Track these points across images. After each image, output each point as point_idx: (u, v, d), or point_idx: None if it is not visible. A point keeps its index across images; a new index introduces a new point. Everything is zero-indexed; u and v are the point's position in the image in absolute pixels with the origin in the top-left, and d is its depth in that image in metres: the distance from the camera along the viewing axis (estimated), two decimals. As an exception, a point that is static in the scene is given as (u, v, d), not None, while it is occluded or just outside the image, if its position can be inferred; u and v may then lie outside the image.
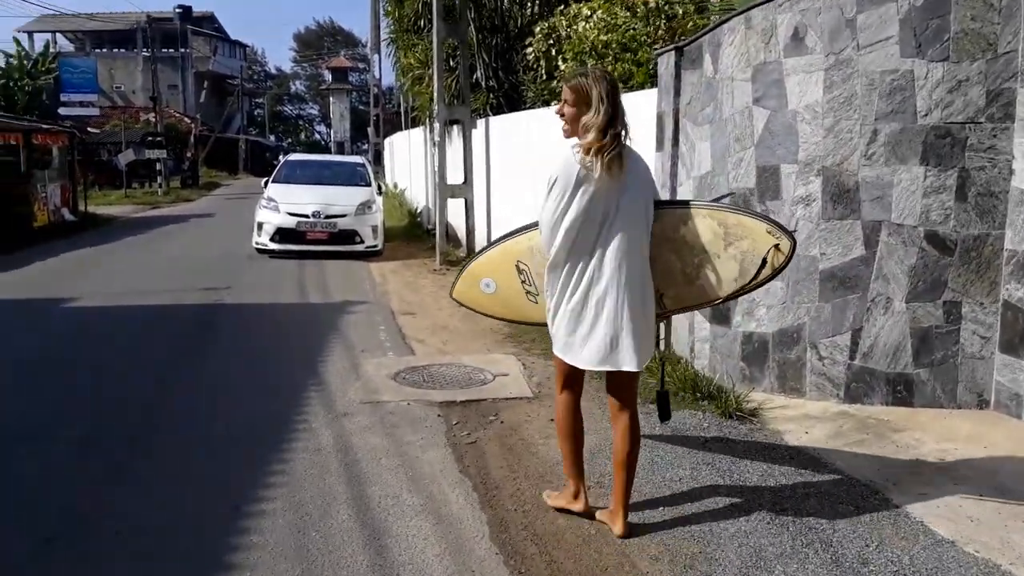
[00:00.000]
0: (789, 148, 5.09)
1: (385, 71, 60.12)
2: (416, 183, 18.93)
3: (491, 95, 12.32)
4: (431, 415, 5.05)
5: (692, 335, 5.85)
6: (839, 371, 5.07)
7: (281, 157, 16.31)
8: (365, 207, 12.86)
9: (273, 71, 77.62)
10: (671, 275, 3.44)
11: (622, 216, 3.19)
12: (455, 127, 13.03)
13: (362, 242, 12.60)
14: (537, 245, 3.53)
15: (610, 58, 8.74)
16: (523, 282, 3.81)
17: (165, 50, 47.23)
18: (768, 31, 5.14)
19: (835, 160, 4.94)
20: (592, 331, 3.23)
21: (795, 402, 5.17)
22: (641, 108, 6.85)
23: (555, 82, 10.56)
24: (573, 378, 3.44)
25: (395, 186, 24.05)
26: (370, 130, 35.92)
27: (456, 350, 6.80)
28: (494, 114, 12.02)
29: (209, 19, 53.61)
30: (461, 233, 12.83)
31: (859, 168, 4.89)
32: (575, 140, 3.21)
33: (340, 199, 12.82)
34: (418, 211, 17.85)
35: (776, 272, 3.37)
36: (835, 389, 5.09)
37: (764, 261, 3.31)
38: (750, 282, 3.38)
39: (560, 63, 10.37)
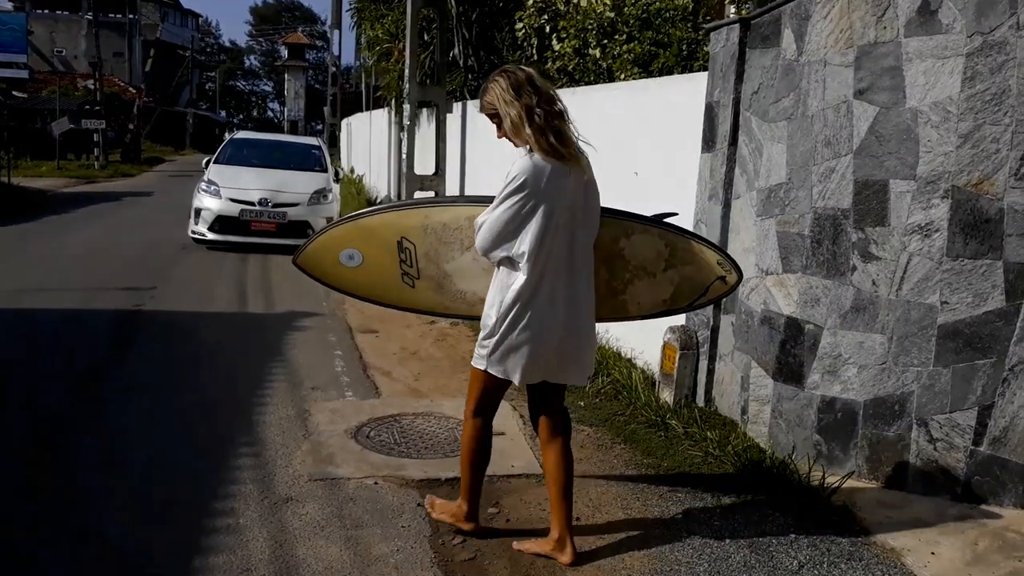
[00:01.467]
0: (905, 159, 3.78)
1: (346, 50, 57.93)
2: (377, 170, 17.35)
3: (470, 76, 10.89)
4: (408, 504, 3.65)
5: (745, 392, 4.53)
6: (958, 459, 3.79)
7: (227, 134, 14.51)
8: (320, 196, 11.31)
9: (227, 44, 75.00)
10: (594, 284, 3.18)
11: (582, 219, 3.03)
12: (426, 110, 11.59)
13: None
14: (438, 226, 3.30)
15: (622, 37, 7.39)
16: (403, 262, 3.36)
17: (112, 16, 44.64)
18: (882, 1, 3.82)
19: (971, 178, 3.64)
20: (542, 344, 2.99)
21: (893, 496, 3.88)
22: (673, 97, 5.51)
23: (548, 64, 9.18)
24: (494, 400, 3.24)
25: (352, 171, 22.42)
26: (326, 110, 34.05)
27: (432, 388, 5.40)
28: (472, 97, 10.58)
29: (159, -16, 50.99)
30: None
31: (1005, 191, 3.60)
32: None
33: (291, 185, 11.25)
34: (379, 201, 16.30)
35: (713, 301, 3.58)
36: (950, 483, 3.82)
37: (706, 289, 3.37)
38: (683, 306, 3.47)
39: (555, 43, 9.01)
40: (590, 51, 8.10)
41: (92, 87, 30.67)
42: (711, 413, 4.74)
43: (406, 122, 10.35)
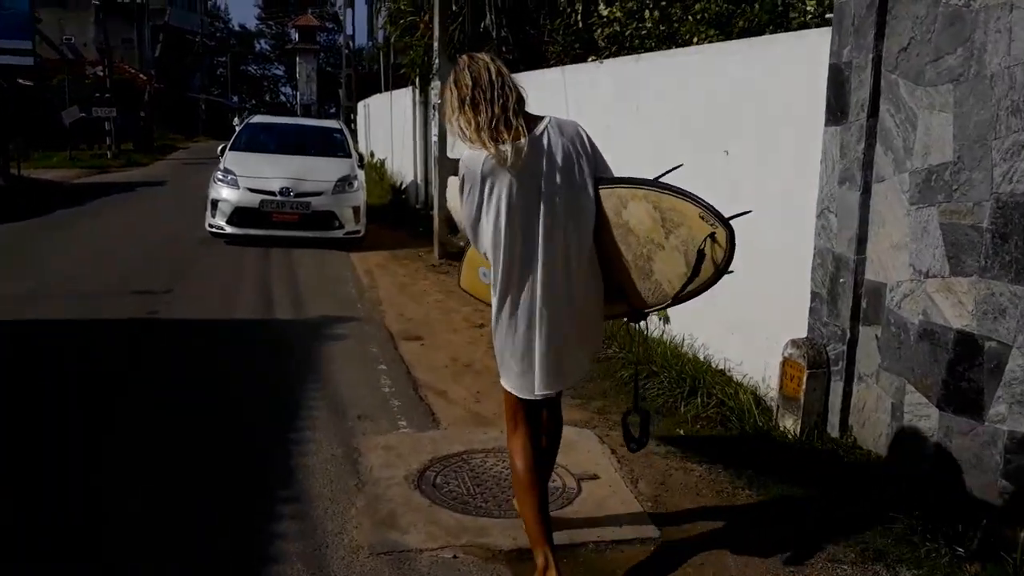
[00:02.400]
0: None
1: (358, 31, 56.94)
2: (401, 153, 16.48)
3: (503, 48, 9.98)
4: (499, 588, 2.85)
5: (897, 421, 3.68)
6: None
7: (236, 121, 13.60)
8: (345, 183, 10.48)
9: (237, 28, 73.96)
10: (625, 267, 2.81)
11: (546, 206, 2.65)
12: (456, 88, 10.71)
13: (341, 227, 10.24)
14: None
15: (691, -4, 6.49)
16: None
17: (120, 0, 43.77)
18: (1098, -80, 2.93)
19: None
20: (527, 352, 2.70)
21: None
22: (774, 61, 4.65)
23: (597, 32, 8.29)
24: (523, 410, 2.82)
25: (371, 155, 21.56)
26: (341, 92, 33.11)
27: (497, 413, 4.53)
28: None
29: (167, -32, 49.99)
30: (462, 218, 10.53)
31: None
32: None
33: (314, 173, 10.42)
34: (403, 186, 15.45)
35: (719, 271, 2.65)
36: None
37: (701, 253, 2.64)
38: (693, 280, 2.69)
39: (602, 7, 8.11)
40: (648, 14, 7.20)
41: (101, 74, 29.84)
42: (849, 446, 3.89)
43: (435, 100, 9.48)
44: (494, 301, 2.73)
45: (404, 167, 16.02)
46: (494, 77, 2.67)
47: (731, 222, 2.63)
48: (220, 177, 10.24)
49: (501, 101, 2.62)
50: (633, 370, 4.57)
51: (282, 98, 70.91)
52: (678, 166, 2.99)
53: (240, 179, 10.10)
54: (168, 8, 44.19)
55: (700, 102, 5.30)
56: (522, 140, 2.60)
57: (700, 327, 5.34)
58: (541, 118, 2.72)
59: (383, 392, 4.89)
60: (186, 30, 51.72)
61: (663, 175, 2.87)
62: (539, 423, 2.89)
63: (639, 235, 2.76)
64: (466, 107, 2.63)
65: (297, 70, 55.99)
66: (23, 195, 15.06)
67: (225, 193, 10.02)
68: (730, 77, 5.02)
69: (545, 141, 2.66)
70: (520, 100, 2.68)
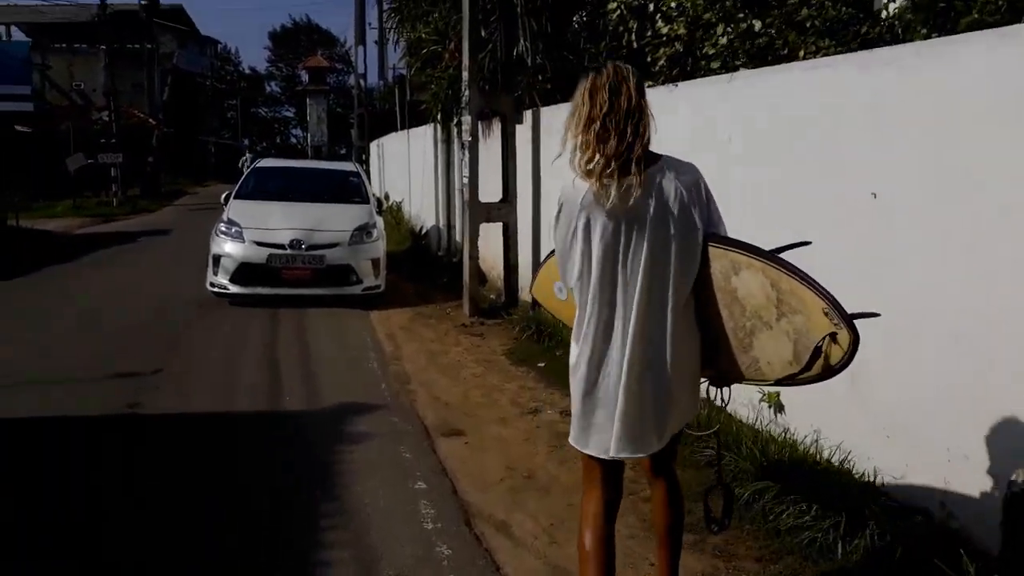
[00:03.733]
0: None
1: (369, 69, 56.93)
2: (420, 195, 15.31)
3: (540, 77, 8.83)
4: None
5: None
6: None
7: (242, 162, 12.37)
8: (363, 233, 9.31)
9: (247, 71, 73.76)
10: (723, 334, 2.55)
11: (650, 253, 2.43)
12: (481, 124, 9.58)
13: (359, 282, 9.04)
14: None
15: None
16: None
17: (129, 45, 43.36)
18: None
19: None
20: (606, 404, 2.46)
21: None
22: (950, 73, 3.44)
23: (651, 56, 7.13)
24: (596, 471, 2.57)
25: (386, 197, 20.48)
26: (353, 132, 32.22)
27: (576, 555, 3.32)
28: (544, 103, 8.53)
29: (177, 12, 49.67)
30: (495, 269, 9.33)
31: None
32: None
33: (328, 222, 9.25)
34: (423, 231, 14.28)
35: (832, 371, 2.38)
36: None
37: (818, 350, 2.36)
38: (801, 372, 2.42)
39: (660, 24, 6.97)
40: (721, 28, 6.03)
41: (107, 119, 29.04)
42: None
43: (466, 138, 8.31)
44: (573, 344, 2.54)
45: (424, 210, 14.85)
46: (633, 107, 2.41)
47: (855, 321, 2.31)
48: (223, 229, 9.08)
49: (629, 140, 2.37)
50: (715, 440, 3.34)
51: (292, 139, 70.58)
52: (805, 243, 2.71)
53: (245, 231, 8.94)
54: (176, 52, 43.68)
55: (831, 127, 4.08)
56: (633, 181, 2.37)
57: (834, 422, 4.08)
58: (657, 156, 2.48)
59: (425, 529, 3.63)
60: (196, 73, 51.37)
61: (783, 249, 2.59)
62: (618, 489, 2.64)
63: (746, 307, 2.52)
64: (592, 132, 2.40)
65: (308, 111, 55.57)
66: (12, 250, 13.88)
67: (228, 248, 8.86)
68: (872, 95, 3.80)
69: (658, 182, 2.44)
70: (649, 141, 2.44)
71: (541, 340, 7.01)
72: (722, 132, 4.96)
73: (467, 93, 8.21)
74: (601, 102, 2.39)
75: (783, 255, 2.50)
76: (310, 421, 5.16)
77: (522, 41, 8.81)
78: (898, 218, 3.67)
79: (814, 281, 2.39)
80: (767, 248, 2.51)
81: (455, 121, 10.75)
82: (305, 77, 58.60)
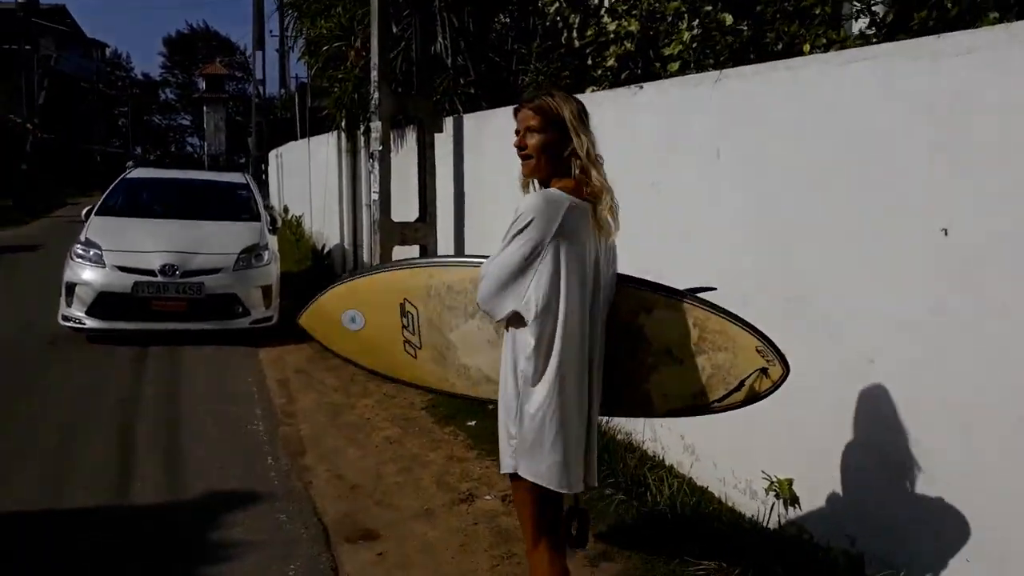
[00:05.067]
0: None
1: (269, 79, 55.17)
2: (323, 211, 13.84)
3: (461, 80, 7.66)
4: None
5: None
6: None
7: (128, 172, 10.74)
8: (251, 255, 7.93)
9: (140, 77, 70.21)
10: (615, 369, 2.70)
11: (602, 282, 2.55)
12: (397, 132, 8.36)
13: (246, 314, 7.64)
14: (443, 288, 2.88)
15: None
16: (404, 327, 2.97)
17: (5, 46, 40.25)
18: None
19: None
20: (580, 431, 2.44)
21: None
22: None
23: (594, 58, 6.07)
24: (550, 514, 2.52)
25: (285, 211, 18.91)
26: (251, 141, 30.37)
27: None
28: (468, 110, 7.36)
29: (59, 12, 46.51)
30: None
31: None
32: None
33: (210, 243, 7.84)
34: (326, 250, 12.85)
35: (752, 400, 2.70)
36: None
37: (742, 384, 2.67)
38: (712, 403, 2.73)
39: (607, 19, 5.93)
40: (691, 21, 5.01)
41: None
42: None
43: (375, 147, 7.05)
44: (534, 367, 2.37)
45: (327, 227, 13.43)
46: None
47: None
48: (79, 252, 7.56)
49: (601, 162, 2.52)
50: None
51: (189, 148, 67.45)
52: (710, 288, 2.85)
53: (106, 254, 7.45)
54: (54, 54, 40.73)
55: (873, 137, 3.04)
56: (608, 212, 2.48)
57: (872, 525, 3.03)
58: None
59: None
60: (80, 77, 48.26)
61: (695, 291, 2.79)
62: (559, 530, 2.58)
63: (652, 344, 2.72)
64: (593, 154, 2.49)
65: (205, 120, 53.22)
66: None
67: (86, 275, 7.34)
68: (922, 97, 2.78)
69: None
70: None
71: (468, 390, 5.81)
72: (702, 143, 3.89)
73: (376, 95, 6.96)
74: (590, 128, 2.50)
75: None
76: (165, 521, 3.80)
77: (440, 39, 7.65)
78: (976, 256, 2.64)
79: (747, 322, 2.67)
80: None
81: (362, 129, 9.48)
82: (202, 84, 56.21)
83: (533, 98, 2.58)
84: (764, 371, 2.63)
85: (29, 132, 32.30)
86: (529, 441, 2.39)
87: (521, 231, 2.38)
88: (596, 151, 2.50)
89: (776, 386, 2.65)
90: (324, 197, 13.34)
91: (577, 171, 2.44)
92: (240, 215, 8.84)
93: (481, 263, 2.62)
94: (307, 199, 15.77)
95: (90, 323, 7.26)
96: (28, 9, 39.86)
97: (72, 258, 7.54)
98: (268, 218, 9.01)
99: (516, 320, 2.43)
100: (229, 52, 65.36)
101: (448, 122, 7.36)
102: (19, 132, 31.76)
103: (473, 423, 5.21)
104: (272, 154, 24.51)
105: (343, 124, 10.04)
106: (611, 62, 5.80)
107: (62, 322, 7.36)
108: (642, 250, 4.18)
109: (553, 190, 2.44)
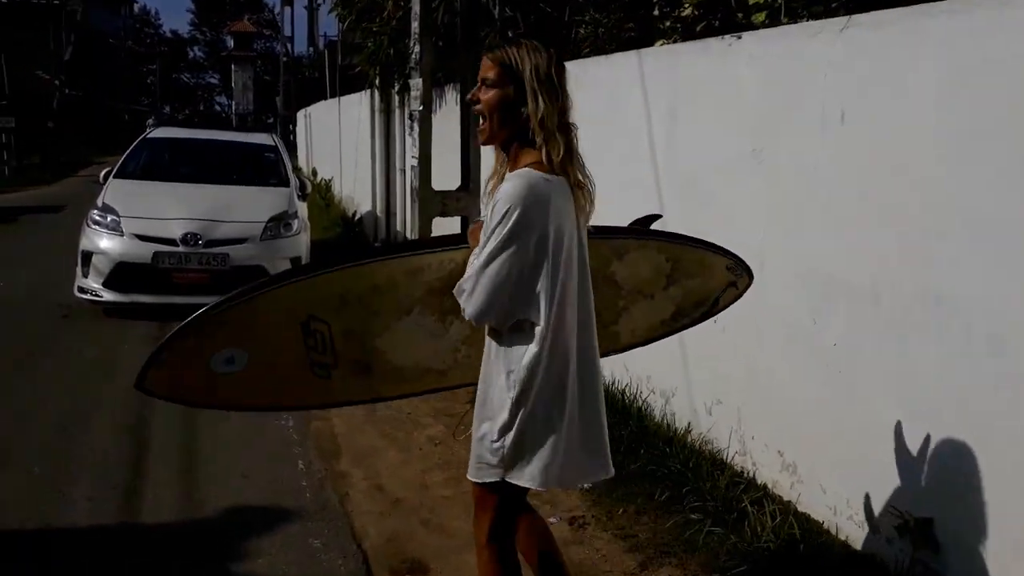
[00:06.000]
0: None
1: (298, 37, 54.30)
2: (354, 175, 13.22)
3: (509, 33, 6.97)
4: None
5: None
6: None
7: (150, 129, 10.23)
8: (280, 224, 7.35)
9: (168, 34, 69.79)
10: None
11: (581, 256, 2.23)
12: (437, 91, 7.70)
13: (274, 287, 7.08)
14: (366, 292, 2.44)
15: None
16: (311, 349, 2.41)
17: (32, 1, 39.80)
18: None
19: None
20: (568, 433, 2.17)
21: None
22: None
23: (661, 8, 5.38)
24: (516, 514, 2.33)
25: (314, 174, 18.32)
26: (279, 100, 29.76)
27: None
28: (517, 68, 6.67)
29: (87, -33, 45.96)
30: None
31: None
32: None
33: (236, 210, 7.26)
34: (357, 217, 12.26)
35: (714, 313, 2.93)
36: None
37: (716, 301, 2.90)
38: (682, 324, 2.91)
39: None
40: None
41: (-3, 77, 26.07)
42: None
43: (415, 106, 6.40)
44: (534, 368, 2.12)
45: (358, 192, 12.81)
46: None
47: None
48: (96, 218, 7.02)
49: (575, 132, 2.18)
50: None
51: (217, 108, 67.16)
52: (657, 216, 2.91)
53: (124, 221, 6.89)
54: (80, 7, 40.14)
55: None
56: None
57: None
58: None
59: None
60: (108, 33, 47.78)
61: (644, 222, 2.80)
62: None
63: (622, 288, 2.73)
64: (553, 121, 2.09)
65: (233, 79, 52.78)
66: None
67: (103, 243, 6.80)
68: None
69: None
70: None
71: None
72: (827, 101, 3.20)
73: (417, 49, 6.27)
74: (565, 83, 2.14)
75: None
76: (172, 548, 3.24)
77: (486, -14, 6.93)
78: None
79: (717, 245, 2.88)
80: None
81: (397, 87, 8.81)
82: (230, 42, 55.73)
83: (496, 47, 2.24)
84: (734, 284, 2.91)
85: (55, 88, 31.88)
86: (526, 445, 2.16)
87: (515, 227, 2.04)
88: (567, 118, 2.14)
89: (741, 294, 2.97)
90: (356, 160, 12.71)
91: (539, 140, 2.10)
92: (268, 180, 8.25)
93: (411, 255, 2.44)
94: (337, 161, 15.15)
95: (107, 295, 6.73)
96: (54, -37, 39.34)
97: (88, 225, 7.00)
98: (297, 183, 8.42)
99: (513, 325, 2.15)
100: (258, 9, 64.78)
101: (495, 80, 6.67)
102: (46, 88, 31.33)
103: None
104: (300, 114, 23.90)
105: (377, 82, 9.39)
106: (688, 11, 5.10)
107: (78, 294, 6.84)
108: (738, 229, 3.54)
109: (526, 170, 2.09)
